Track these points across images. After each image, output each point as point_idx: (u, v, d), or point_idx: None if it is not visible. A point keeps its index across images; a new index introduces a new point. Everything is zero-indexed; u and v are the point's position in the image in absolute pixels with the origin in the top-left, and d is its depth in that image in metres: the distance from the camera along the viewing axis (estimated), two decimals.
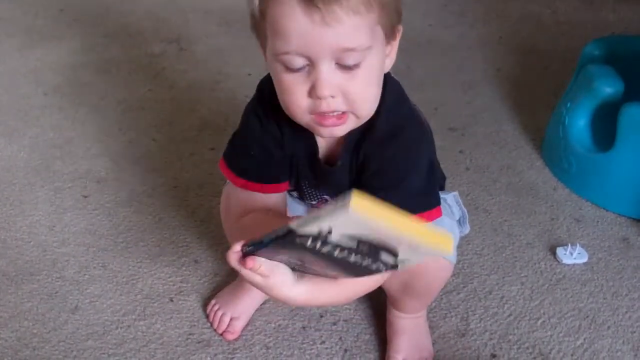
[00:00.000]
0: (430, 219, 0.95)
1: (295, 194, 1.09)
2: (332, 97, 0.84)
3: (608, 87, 1.51)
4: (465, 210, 1.15)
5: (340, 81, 0.83)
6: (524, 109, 1.85)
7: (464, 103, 1.88)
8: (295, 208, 1.13)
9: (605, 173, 1.48)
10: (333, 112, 0.86)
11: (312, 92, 0.84)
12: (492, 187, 1.56)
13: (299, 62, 0.83)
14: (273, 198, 1.01)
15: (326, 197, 1.06)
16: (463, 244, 1.38)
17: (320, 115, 0.86)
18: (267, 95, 0.94)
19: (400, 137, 0.92)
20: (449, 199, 1.12)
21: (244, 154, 1.00)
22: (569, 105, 1.58)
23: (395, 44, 0.89)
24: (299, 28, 0.79)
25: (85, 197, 1.51)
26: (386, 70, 0.90)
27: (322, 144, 0.98)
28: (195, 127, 1.75)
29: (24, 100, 1.85)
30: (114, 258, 1.35)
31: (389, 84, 0.93)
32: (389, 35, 0.86)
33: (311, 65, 0.82)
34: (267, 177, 1.00)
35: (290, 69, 0.84)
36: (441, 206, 0.98)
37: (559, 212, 1.49)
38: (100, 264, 1.33)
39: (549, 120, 1.67)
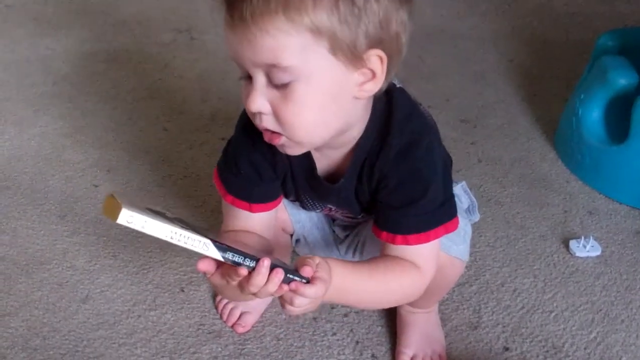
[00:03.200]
0: (454, 227, 0.95)
1: (297, 203, 1.08)
2: (262, 113, 0.83)
3: (622, 79, 1.49)
4: (475, 200, 1.14)
5: (272, 99, 0.82)
6: (536, 101, 1.84)
7: (475, 94, 1.87)
8: (297, 214, 1.12)
9: (618, 165, 1.47)
10: (265, 129, 0.85)
11: (247, 99, 0.83)
12: (505, 179, 1.55)
13: (241, 69, 0.83)
14: (258, 217, 1.00)
15: (330, 206, 1.06)
16: (475, 236, 1.37)
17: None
18: None
19: (416, 151, 0.91)
20: (457, 189, 1.11)
21: (234, 171, 0.99)
22: (582, 96, 1.56)
23: (375, 70, 0.82)
24: (227, 36, 0.80)
25: (96, 186, 1.51)
26: (361, 98, 0.85)
27: (322, 161, 0.96)
28: (206, 116, 1.74)
29: (33, 89, 1.85)
30: (125, 248, 1.34)
31: (398, 99, 0.92)
32: (352, 62, 0.80)
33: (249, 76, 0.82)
34: (256, 196, 0.99)
35: (241, 77, 0.84)
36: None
37: (572, 205, 1.48)
38: (111, 254, 1.33)
39: (562, 112, 1.66)
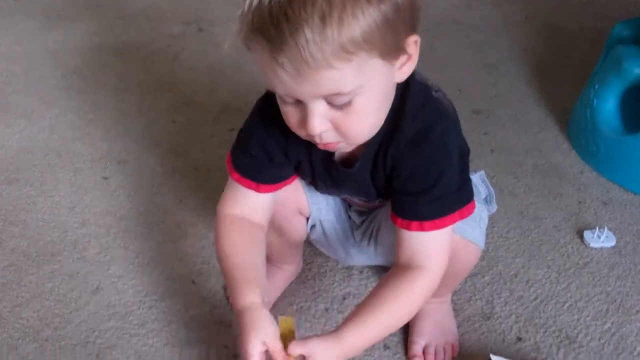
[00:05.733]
0: (469, 212, 0.95)
1: (317, 185, 1.07)
2: (324, 132, 0.84)
3: (637, 68, 1.47)
4: (492, 190, 1.13)
5: (332, 117, 0.83)
6: (550, 91, 1.82)
7: (488, 84, 1.85)
8: (314, 195, 1.11)
9: (633, 156, 1.45)
10: (325, 144, 0.87)
11: (304, 124, 0.84)
12: (518, 170, 1.53)
13: (288, 99, 0.83)
14: (263, 197, 1.01)
15: (346, 194, 1.06)
16: (488, 227, 1.34)
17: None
18: (275, 101, 0.90)
19: (429, 138, 0.90)
20: (475, 178, 1.10)
21: (244, 151, 0.99)
22: (597, 86, 1.55)
23: (412, 53, 0.85)
24: (278, 78, 0.79)
25: (106, 178, 1.50)
26: (400, 80, 0.87)
27: None
28: (216, 109, 1.73)
29: (42, 81, 1.85)
30: (135, 239, 1.34)
31: (412, 85, 0.91)
32: (395, 55, 0.83)
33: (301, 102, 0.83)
34: (264, 177, 0.99)
35: (286, 102, 0.85)
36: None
37: (586, 195, 1.46)
38: (122, 245, 1.32)
39: (576, 102, 1.64)
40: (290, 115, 0.86)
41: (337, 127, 0.84)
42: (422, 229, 0.92)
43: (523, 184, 1.49)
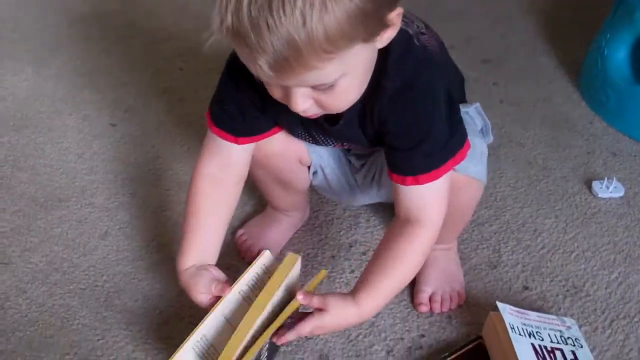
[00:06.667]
0: (462, 157, 0.94)
1: (310, 139, 1.06)
2: (306, 109, 0.84)
3: None
4: (489, 121, 1.12)
5: (316, 96, 0.82)
6: (559, 42, 1.80)
7: (498, 35, 1.83)
8: (316, 149, 1.11)
9: None
10: (306, 115, 0.86)
11: (287, 100, 0.83)
12: (527, 120, 1.52)
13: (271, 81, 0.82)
14: (242, 149, 1.00)
15: (341, 142, 1.06)
16: (496, 177, 1.36)
17: None
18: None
19: (411, 94, 0.89)
20: (471, 111, 1.10)
21: (221, 107, 0.98)
22: (608, 36, 1.53)
23: (395, 23, 0.81)
24: (259, 71, 0.77)
25: (113, 125, 1.50)
26: (382, 46, 0.84)
27: None
28: (222, 56, 1.71)
29: (49, 29, 1.83)
30: (143, 186, 1.34)
31: (394, 38, 0.87)
32: (378, 33, 0.80)
33: None
34: (242, 130, 0.99)
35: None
36: (463, 121, 0.96)
37: (595, 146, 1.46)
38: (129, 192, 1.33)
39: (586, 53, 1.62)
40: (273, 91, 0.85)
41: (319, 104, 0.84)
42: (418, 182, 0.92)
43: (532, 135, 1.48)
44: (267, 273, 0.95)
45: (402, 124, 0.91)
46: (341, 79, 0.80)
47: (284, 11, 0.71)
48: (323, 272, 0.97)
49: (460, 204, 1.03)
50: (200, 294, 0.94)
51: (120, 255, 1.20)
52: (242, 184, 1.04)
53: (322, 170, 1.14)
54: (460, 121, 0.96)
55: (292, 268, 0.94)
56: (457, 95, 1.03)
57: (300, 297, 0.89)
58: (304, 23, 0.71)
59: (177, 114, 1.53)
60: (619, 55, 1.50)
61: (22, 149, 1.43)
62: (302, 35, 0.71)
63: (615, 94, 1.48)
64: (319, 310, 0.90)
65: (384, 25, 0.80)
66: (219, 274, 0.97)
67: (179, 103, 1.56)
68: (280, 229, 1.23)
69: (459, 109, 0.97)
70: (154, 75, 1.66)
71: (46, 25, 1.85)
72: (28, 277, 1.16)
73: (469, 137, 0.96)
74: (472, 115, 1.08)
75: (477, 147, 1.00)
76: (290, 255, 0.96)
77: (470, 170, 1.00)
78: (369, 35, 0.78)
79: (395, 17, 0.81)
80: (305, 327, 0.90)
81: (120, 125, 1.49)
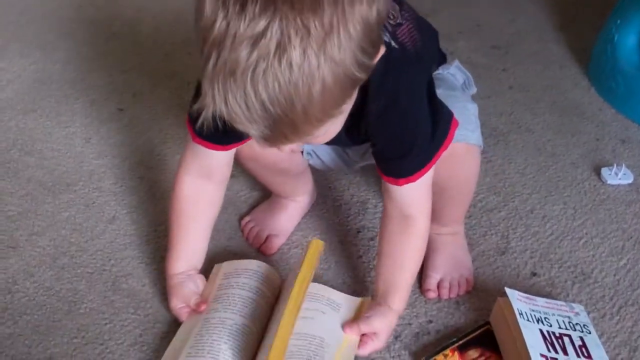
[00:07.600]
0: (450, 141, 0.94)
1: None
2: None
3: None
4: (469, 74, 1.13)
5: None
6: (569, 29, 1.79)
7: (507, 21, 1.82)
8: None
9: None
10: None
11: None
12: (536, 107, 1.52)
13: None
14: (224, 154, 1.00)
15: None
16: (504, 163, 1.35)
17: None
18: None
19: (397, 105, 0.88)
20: (452, 69, 1.11)
21: (199, 121, 0.95)
22: (618, 22, 1.52)
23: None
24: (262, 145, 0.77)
25: (121, 110, 1.50)
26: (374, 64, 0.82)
27: None
28: None
29: (57, 12, 1.83)
30: (150, 170, 1.34)
31: None
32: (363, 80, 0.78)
33: None
34: (227, 140, 0.97)
35: None
36: (444, 78, 0.98)
37: (604, 133, 1.45)
38: (137, 176, 1.32)
39: (596, 39, 1.61)
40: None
41: (306, 142, 0.84)
42: (410, 181, 0.94)
43: (541, 121, 1.48)
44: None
45: (390, 139, 0.92)
46: (330, 126, 0.79)
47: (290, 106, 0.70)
48: (318, 243, 0.98)
49: (464, 174, 1.05)
50: (179, 303, 1.02)
51: (128, 240, 1.20)
52: (226, 183, 1.06)
53: (315, 154, 1.14)
54: (441, 105, 0.95)
55: (317, 255, 0.97)
56: (435, 55, 1.05)
57: (347, 331, 0.98)
58: (306, 113, 0.71)
59: (185, 98, 1.52)
60: (629, 41, 1.50)
61: (30, 132, 1.43)
62: (303, 121, 0.72)
63: (625, 81, 1.48)
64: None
65: (369, 71, 0.77)
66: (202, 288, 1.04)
67: (188, 87, 1.55)
68: (287, 214, 1.22)
69: (440, 104, 0.95)
70: (162, 60, 1.65)
71: (54, 9, 1.84)
72: (35, 260, 1.16)
73: (461, 103, 0.97)
74: (453, 72, 1.10)
75: (470, 111, 1.02)
76: (315, 242, 0.98)
77: (469, 138, 1.01)
78: (359, 84, 0.78)
79: (381, 52, 0.78)
80: (366, 352, 0.99)
81: (128, 110, 1.49)
